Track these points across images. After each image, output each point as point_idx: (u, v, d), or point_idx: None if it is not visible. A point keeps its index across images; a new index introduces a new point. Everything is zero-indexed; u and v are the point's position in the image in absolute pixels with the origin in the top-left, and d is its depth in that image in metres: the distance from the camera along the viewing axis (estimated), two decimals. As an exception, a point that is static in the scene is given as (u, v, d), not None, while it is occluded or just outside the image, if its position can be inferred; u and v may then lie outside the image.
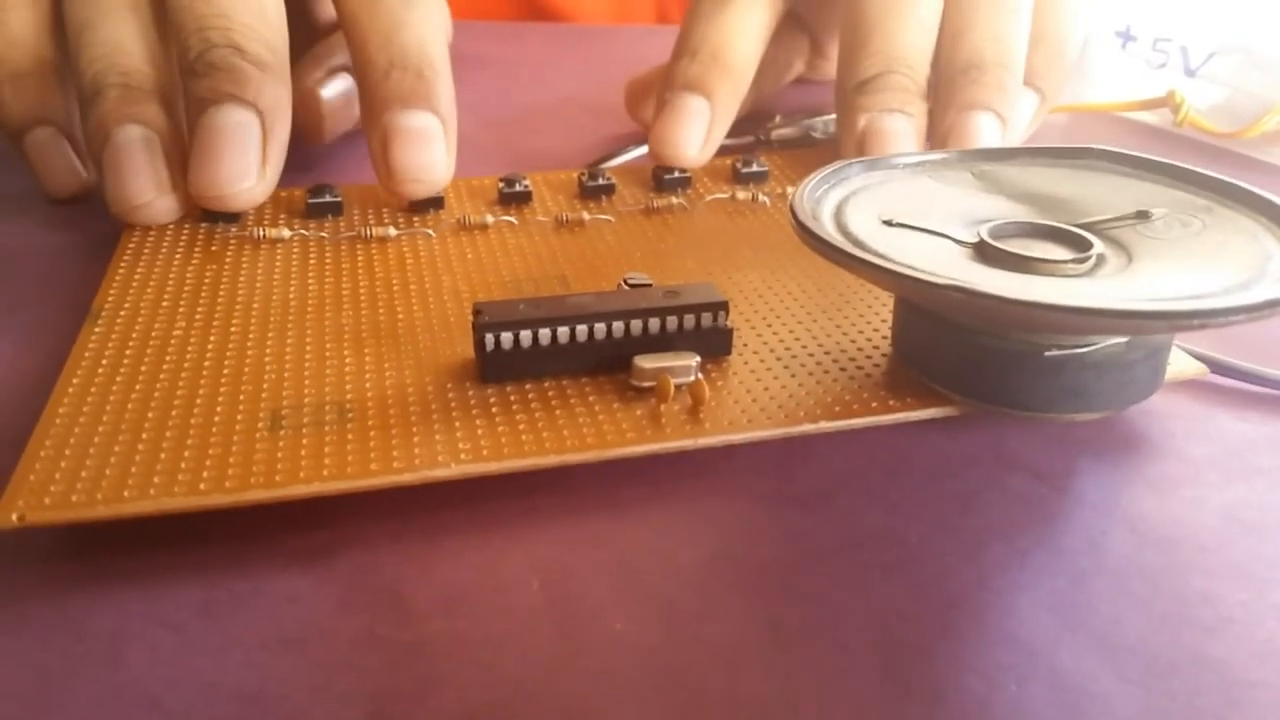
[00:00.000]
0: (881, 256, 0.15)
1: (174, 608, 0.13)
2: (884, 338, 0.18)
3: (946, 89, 0.24)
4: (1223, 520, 0.15)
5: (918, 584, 0.13)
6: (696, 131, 0.25)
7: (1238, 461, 0.16)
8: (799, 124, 0.28)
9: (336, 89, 0.26)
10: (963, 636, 0.13)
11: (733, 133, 0.28)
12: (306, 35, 0.27)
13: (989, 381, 0.15)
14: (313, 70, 0.26)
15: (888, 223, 0.17)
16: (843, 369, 0.17)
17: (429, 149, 0.22)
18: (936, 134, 0.24)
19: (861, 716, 0.12)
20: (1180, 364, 0.17)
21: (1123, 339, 0.15)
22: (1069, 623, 0.13)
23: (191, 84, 0.21)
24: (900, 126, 0.24)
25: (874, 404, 0.16)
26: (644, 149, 0.27)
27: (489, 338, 0.16)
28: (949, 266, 0.15)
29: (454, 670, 0.12)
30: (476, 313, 0.16)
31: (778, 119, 0.28)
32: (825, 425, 0.15)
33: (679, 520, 0.15)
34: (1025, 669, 0.12)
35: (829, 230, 0.16)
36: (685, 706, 0.12)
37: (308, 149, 0.26)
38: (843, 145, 0.25)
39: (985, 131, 0.24)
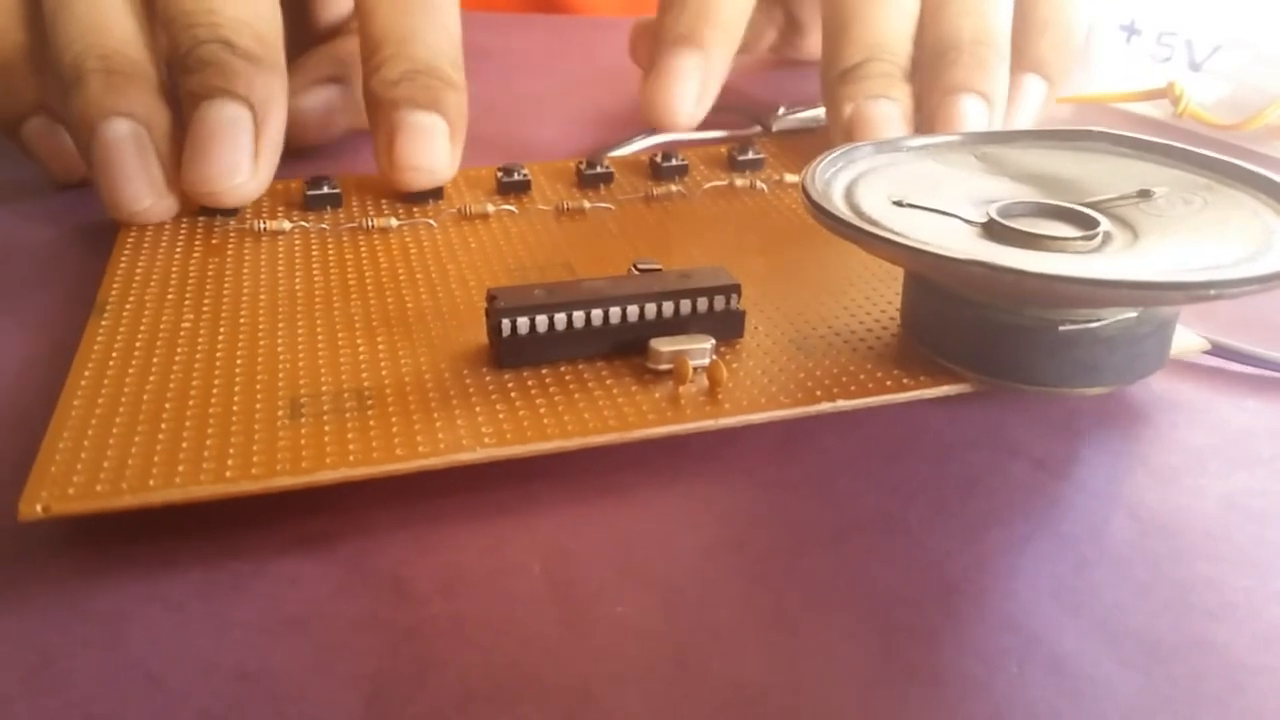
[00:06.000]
0: (899, 234, 0.15)
1: (174, 588, 0.13)
2: (891, 318, 0.18)
3: (929, 72, 0.24)
4: (1224, 507, 0.15)
5: (919, 568, 0.13)
6: (689, 90, 0.24)
7: (1239, 449, 0.16)
8: (801, 115, 0.28)
9: (315, 100, 0.25)
10: (963, 620, 0.13)
11: (737, 123, 0.28)
12: (305, 39, 0.26)
13: (1001, 357, 0.16)
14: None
15: (898, 203, 0.17)
16: (854, 349, 0.17)
17: (432, 143, 0.22)
18: (922, 118, 0.24)
19: (862, 699, 0.12)
20: (1183, 341, 0.17)
21: (1133, 313, 0.15)
22: (1070, 608, 0.13)
23: (182, 80, 0.21)
24: (886, 111, 0.24)
25: (888, 382, 0.16)
26: (645, 142, 0.27)
27: (505, 323, 0.16)
28: (962, 244, 0.15)
29: (454, 652, 0.12)
30: (491, 298, 0.16)
31: (781, 110, 0.28)
32: (843, 404, 0.16)
33: (680, 504, 0.15)
34: (1026, 653, 0.12)
35: (843, 210, 0.16)
36: (686, 689, 0.12)
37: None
38: (831, 133, 0.25)
39: (969, 113, 0.23)
